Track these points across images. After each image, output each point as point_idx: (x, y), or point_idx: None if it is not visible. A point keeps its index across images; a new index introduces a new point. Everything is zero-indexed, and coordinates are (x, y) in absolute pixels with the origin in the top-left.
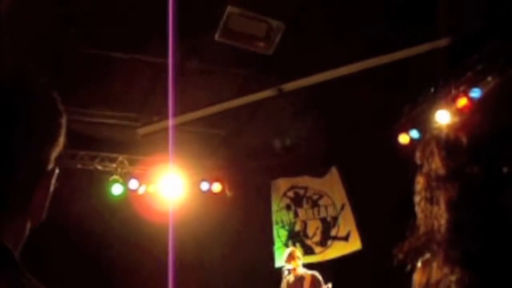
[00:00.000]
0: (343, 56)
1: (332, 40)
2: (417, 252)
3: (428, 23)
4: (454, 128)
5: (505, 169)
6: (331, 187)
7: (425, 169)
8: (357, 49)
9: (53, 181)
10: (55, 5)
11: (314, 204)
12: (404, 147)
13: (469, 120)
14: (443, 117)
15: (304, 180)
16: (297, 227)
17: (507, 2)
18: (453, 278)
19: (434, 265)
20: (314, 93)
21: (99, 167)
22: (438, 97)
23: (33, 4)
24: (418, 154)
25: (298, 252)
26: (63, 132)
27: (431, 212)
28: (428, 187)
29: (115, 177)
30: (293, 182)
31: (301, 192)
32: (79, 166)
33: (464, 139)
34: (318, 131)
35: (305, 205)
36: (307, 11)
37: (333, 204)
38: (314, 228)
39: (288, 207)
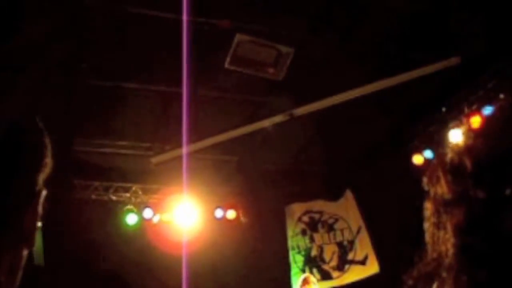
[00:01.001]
0: (354, 79)
1: (342, 63)
2: (427, 278)
3: (438, 43)
4: (459, 152)
5: (508, 191)
6: (346, 211)
7: (432, 194)
8: (367, 71)
9: (41, 203)
10: (68, 40)
11: (330, 228)
12: (418, 167)
13: (473, 144)
14: (456, 137)
15: (318, 204)
16: (314, 252)
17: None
18: None
19: None
20: (326, 117)
21: (114, 197)
22: (450, 116)
23: (47, 39)
24: (425, 180)
25: (313, 277)
26: (48, 152)
27: (439, 237)
28: (436, 212)
29: (129, 206)
30: (307, 206)
31: (316, 216)
32: (93, 197)
33: (468, 163)
34: (330, 154)
35: (320, 230)
36: (316, 35)
37: (349, 228)
38: (330, 253)
39: (303, 232)
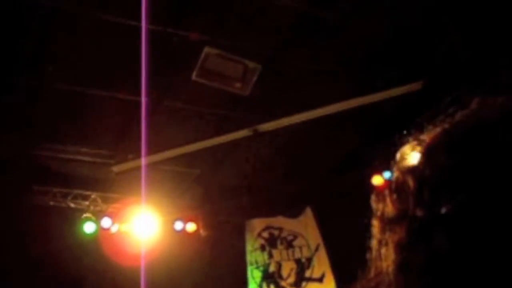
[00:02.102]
0: (319, 98)
1: (308, 82)
2: None
3: (402, 66)
4: (403, 171)
5: (443, 210)
6: (306, 228)
7: (379, 212)
8: (332, 91)
9: None
10: (35, 42)
11: (289, 245)
12: (377, 188)
13: (416, 164)
14: (416, 159)
15: (278, 221)
16: (272, 268)
17: (477, 49)
18: None
19: None
20: (290, 134)
21: (72, 205)
22: (410, 139)
23: (12, 40)
24: (373, 198)
25: None
26: None
27: (381, 254)
28: (381, 229)
29: (87, 215)
30: (267, 222)
31: (276, 232)
32: (51, 203)
33: (410, 182)
34: (293, 171)
35: (279, 246)
36: (284, 52)
37: (308, 245)
38: (288, 269)
39: (262, 248)
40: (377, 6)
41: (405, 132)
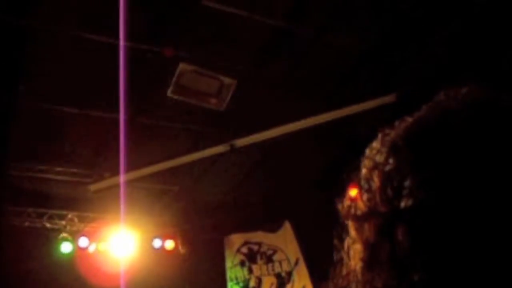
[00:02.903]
0: (294, 112)
1: (283, 97)
2: None
3: (376, 79)
4: (369, 168)
5: (402, 204)
6: (285, 242)
7: (352, 211)
8: (307, 106)
9: None
10: (9, 60)
11: (269, 260)
12: (354, 200)
13: (380, 160)
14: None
15: (257, 236)
16: (252, 284)
17: (450, 61)
18: None
19: None
20: (267, 148)
21: (48, 225)
22: None
23: None
24: (346, 197)
25: None
26: None
27: (350, 252)
28: (351, 228)
29: (64, 234)
30: (246, 237)
31: (255, 247)
32: (27, 223)
33: (376, 178)
34: (270, 186)
35: (259, 261)
36: (259, 68)
37: (287, 259)
38: (269, 284)
39: (242, 263)
40: (351, 20)
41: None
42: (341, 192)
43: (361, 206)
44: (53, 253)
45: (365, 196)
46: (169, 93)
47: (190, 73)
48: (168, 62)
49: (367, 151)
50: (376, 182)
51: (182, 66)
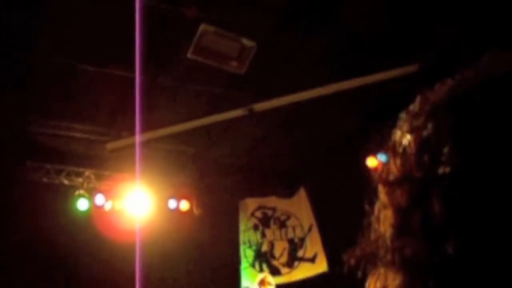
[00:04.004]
0: (315, 78)
1: (305, 62)
2: (370, 258)
3: (399, 49)
4: (405, 132)
5: (440, 171)
6: (299, 208)
7: (383, 175)
8: (329, 72)
9: None
10: (30, 15)
11: (282, 225)
12: (372, 170)
13: (417, 124)
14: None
15: (272, 201)
16: (264, 248)
17: (473, 31)
18: (395, 283)
19: (381, 271)
20: (285, 114)
21: (65, 181)
22: None
23: (6, 13)
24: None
25: (270, 278)
26: None
27: (380, 218)
28: (383, 193)
29: (80, 192)
30: (261, 202)
31: (269, 212)
32: (44, 179)
33: (412, 143)
34: (287, 151)
35: (272, 226)
36: (281, 32)
37: (301, 226)
38: (281, 249)
39: (255, 227)
40: None
41: (400, 115)
42: (358, 161)
43: (394, 171)
44: (70, 210)
45: (398, 161)
46: (189, 54)
47: (211, 35)
48: (189, 23)
49: (404, 114)
50: (412, 146)
51: (203, 27)
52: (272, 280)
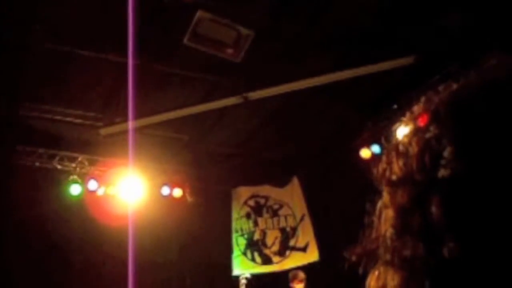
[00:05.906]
0: (310, 69)
1: (300, 52)
2: (371, 255)
3: (394, 41)
4: (408, 135)
5: (440, 174)
6: (292, 198)
7: (386, 174)
8: (324, 63)
9: None
10: (22, 0)
11: (274, 214)
12: (365, 161)
13: (419, 127)
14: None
15: (265, 189)
16: (256, 236)
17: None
18: (394, 283)
19: (381, 270)
20: (280, 103)
21: (58, 166)
22: (400, 114)
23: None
24: (383, 159)
25: (303, 274)
26: None
27: (382, 217)
28: (385, 192)
29: (73, 177)
30: (254, 191)
31: (262, 201)
32: (37, 164)
33: (414, 144)
34: (281, 141)
35: (265, 215)
36: (278, 22)
37: (293, 215)
38: (273, 238)
39: (248, 216)
40: None
41: (395, 107)
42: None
43: (397, 171)
44: (63, 194)
45: (401, 161)
46: (185, 40)
47: (207, 22)
48: (186, 9)
49: (408, 115)
50: (414, 148)
51: (200, 13)
52: (304, 276)
